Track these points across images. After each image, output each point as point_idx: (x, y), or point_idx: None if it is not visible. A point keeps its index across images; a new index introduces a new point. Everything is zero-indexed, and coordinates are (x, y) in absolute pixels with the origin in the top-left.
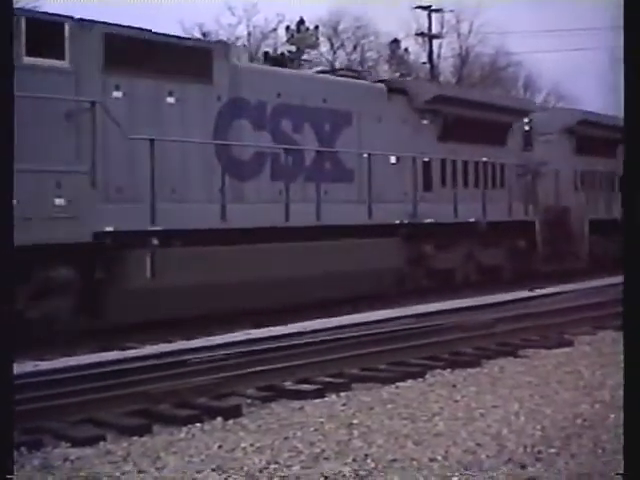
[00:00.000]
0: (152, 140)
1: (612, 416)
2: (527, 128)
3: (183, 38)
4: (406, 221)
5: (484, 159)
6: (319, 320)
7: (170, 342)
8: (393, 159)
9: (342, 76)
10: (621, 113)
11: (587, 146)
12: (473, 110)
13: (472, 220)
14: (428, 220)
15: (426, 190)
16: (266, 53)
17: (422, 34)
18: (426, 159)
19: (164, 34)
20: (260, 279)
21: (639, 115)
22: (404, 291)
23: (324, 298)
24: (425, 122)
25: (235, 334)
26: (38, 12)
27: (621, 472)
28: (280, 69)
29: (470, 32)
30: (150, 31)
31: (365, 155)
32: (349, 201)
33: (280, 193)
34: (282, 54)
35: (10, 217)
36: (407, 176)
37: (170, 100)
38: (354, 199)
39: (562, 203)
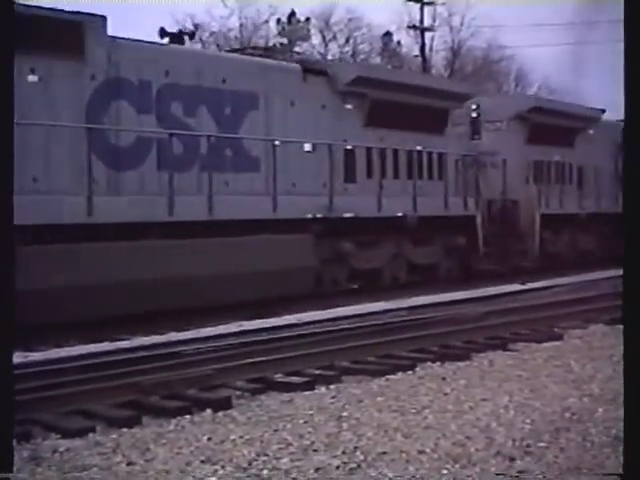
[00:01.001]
0: None
1: (601, 410)
2: (475, 115)
3: (47, 8)
4: (320, 215)
5: (418, 148)
6: (313, 312)
7: (161, 334)
8: (308, 147)
9: (251, 54)
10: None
11: (541, 135)
12: (403, 93)
13: (400, 214)
14: (347, 214)
15: (349, 181)
16: (162, 29)
17: (414, 27)
18: (349, 147)
19: (23, 4)
20: (136, 281)
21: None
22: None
23: (221, 301)
24: (348, 107)
25: (227, 326)
26: None
27: (620, 472)
28: (169, 45)
29: (462, 25)
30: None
31: (276, 142)
32: (255, 193)
33: (172, 184)
34: (181, 30)
35: (10, 217)
36: (325, 166)
37: (32, 78)
38: (261, 191)
39: (511, 196)
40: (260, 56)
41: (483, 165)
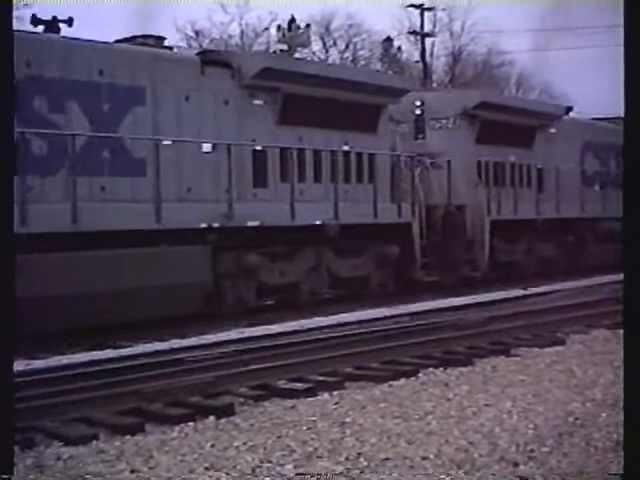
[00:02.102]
0: None
1: (604, 414)
2: (418, 112)
3: None
4: (216, 225)
5: (345, 148)
6: (316, 318)
7: (164, 340)
8: (207, 147)
9: (141, 45)
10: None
11: (493, 133)
12: (325, 88)
13: (318, 223)
14: (251, 223)
15: (259, 186)
16: (33, 16)
17: (415, 32)
18: (259, 147)
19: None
20: None
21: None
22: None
23: (89, 323)
24: (257, 102)
25: (229, 332)
26: None
27: (620, 472)
28: (32, 33)
29: (463, 30)
30: None
31: (164, 142)
32: (139, 200)
33: (30, 190)
34: (55, 17)
35: (10, 217)
36: (228, 169)
37: None
38: (147, 197)
39: (456, 201)
40: (153, 46)
41: (425, 167)
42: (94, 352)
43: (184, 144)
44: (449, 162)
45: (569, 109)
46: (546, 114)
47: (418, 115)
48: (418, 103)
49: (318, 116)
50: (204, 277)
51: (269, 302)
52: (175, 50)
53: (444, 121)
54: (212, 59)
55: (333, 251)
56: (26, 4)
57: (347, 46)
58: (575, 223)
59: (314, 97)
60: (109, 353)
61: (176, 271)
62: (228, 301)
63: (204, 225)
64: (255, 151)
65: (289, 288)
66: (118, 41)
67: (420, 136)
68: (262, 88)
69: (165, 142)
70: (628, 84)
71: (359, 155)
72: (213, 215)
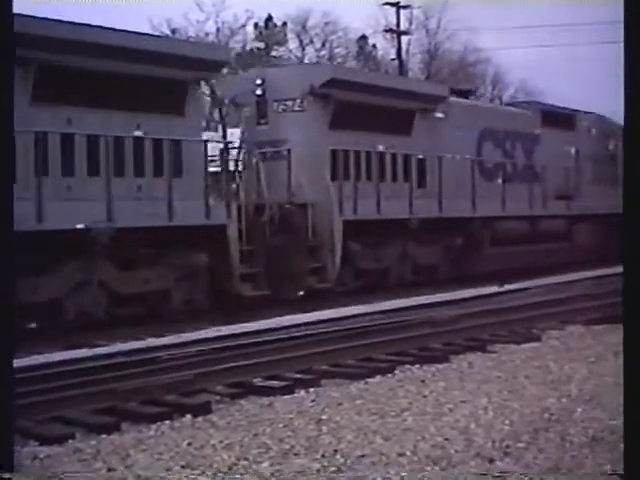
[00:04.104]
0: None
1: (579, 410)
2: (259, 93)
3: None
4: None
5: (137, 134)
6: (291, 316)
7: (140, 339)
8: None
9: None
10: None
11: (352, 118)
12: (96, 59)
13: (81, 227)
14: None
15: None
16: None
17: (391, 30)
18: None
19: None
20: None
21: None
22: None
23: None
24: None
25: (206, 331)
26: None
27: (620, 472)
28: None
29: (439, 28)
30: None
31: None
32: None
33: None
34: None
35: (10, 217)
36: None
37: None
38: None
39: (299, 198)
40: None
41: (261, 158)
42: (70, 351)
43: None
44: (289, 152)
45: (468, 92)
46: (425, 95)
47: (259, 96)
48: (258, 82)
49: (94, 94)
50: None
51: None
52: None
53: (289, 103)
54: None
55: (111, 264)
56: None
57: (323, 44)
58: (466, 223)
59: (82, 69)
60: (85, 352)
61: None
62: None
63: None
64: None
65: (49, 309)
66: None
67: (262, 121)
68: (22, 62)
69: None
70: (628, 85)
71: (157, 142)
72: None
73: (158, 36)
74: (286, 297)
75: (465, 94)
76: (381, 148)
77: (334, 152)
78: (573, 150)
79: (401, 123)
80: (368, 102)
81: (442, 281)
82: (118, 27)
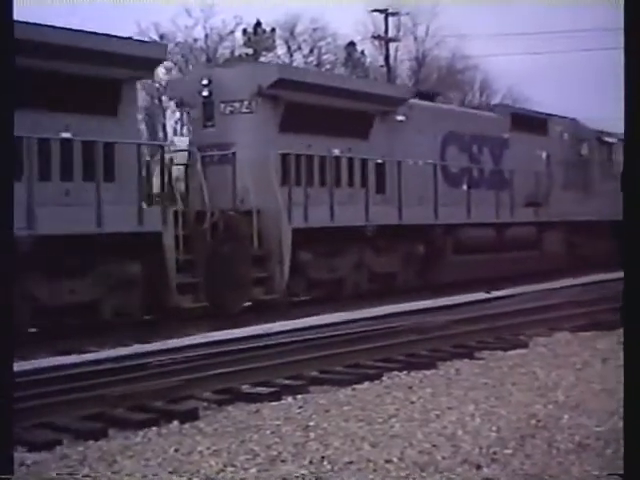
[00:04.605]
0: None
1: (566, 416)
2: (205, 94)
3: None
4: None
5: (65, 135)
6: (280, 322)
7: (128, 345)
8: None
9: None
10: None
11: (304, 120)
12: (26, 57)
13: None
14: None
15: None
16: None
17: (379, 37)
18: None
19: None
20: None
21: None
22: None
23: None
24: None
25: (193, 337)
26: None
27: (621, 472)
28: None
29: (427, 35)
30: None
31: None
32: None
33: None
34: None
35: (10, 217)
36: None
37: None
38: None
39: (244, 204)
40: None
41: (210, 162)
42: (58, 357)
43: None
44: (234, 155)
45: (433, 95)
46: (384, 97)
47: (205, 97)
48: (205, 82)
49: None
50: None
51: None
52: None
53: (237, 104)
54: None
55: (38, 274)
56: None
57: (311, 50)
58: (427, 231)
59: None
60: (73, 358)
61: None
62: None
63: None
64: None
65: None
66: None
67: (209, 123)
68: None
69: None
70: (628, 86)
71: (87, 144)
72: None
73: (86, 31)
74: (230, 309)
75: (431, 97)
76: (337, 152)
77: (284, 156)
78: (544, 155)
79: (358, 126)
80: (321, 104)
81: (403, 290)
82: (55, 24)
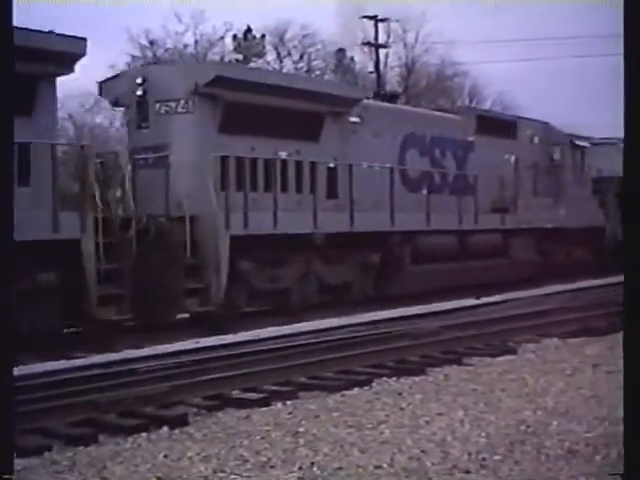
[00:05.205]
0: None
1: (555, 422)
2: (140, 93)
3: None
4: None
5: None
6: (270, 328)
7: (117, 351)
8: None
9: None
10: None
11: (247, 121)
12: None
13: None
14: None
15: None
16: None
17: (368, 43)
18: None
19: None
20: None
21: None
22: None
23: None
24: None
25: (183, 343)
26: None
27: (620, 472)
28: None
29: (416, 42)
30: None
31: None
32: None
33: None
34: None
35: (10, 219)
36: None
37: None
38: None
39: (176, 210)
40: None
41: (142, 165)
42: (47, 363)
43: None
44: (167, 158)
45: (393, 96)
46: (335, 97)
47: (140, 96)
48: (139, 81)
49: None
50: None
51: None
52: None
53: (172, 104)
54: None
55: None
56: None
57: (301, 56)
58: (384, 238)
59: None
60: (63, 364)
61: None
62: None
63: None
64: None
65: None
66: None
67: (144, 124)
68: None
69: None
70: (628, 88)
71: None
72: None
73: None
74: (161, 322)
75: (391, 98)
76: (284, 155)
77: (223, 159)
78: (512, 159)
79: (308, 127)
80: (265, 103)
81: (357, 302)
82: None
